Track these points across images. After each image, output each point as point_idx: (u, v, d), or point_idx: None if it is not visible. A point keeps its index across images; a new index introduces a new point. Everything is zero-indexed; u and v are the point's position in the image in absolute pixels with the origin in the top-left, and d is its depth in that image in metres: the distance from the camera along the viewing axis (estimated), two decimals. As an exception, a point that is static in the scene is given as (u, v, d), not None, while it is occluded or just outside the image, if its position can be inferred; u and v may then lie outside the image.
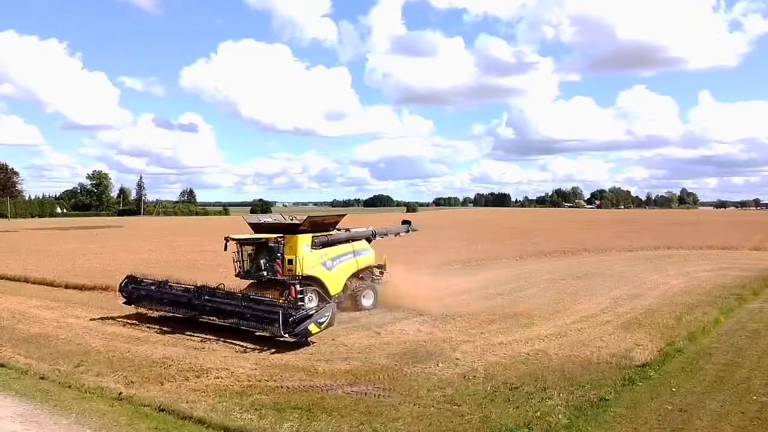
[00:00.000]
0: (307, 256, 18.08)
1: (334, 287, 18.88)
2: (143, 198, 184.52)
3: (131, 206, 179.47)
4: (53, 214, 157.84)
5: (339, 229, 20.29)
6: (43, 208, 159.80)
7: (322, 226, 19.21)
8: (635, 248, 42.63)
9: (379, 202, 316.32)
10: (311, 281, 18.26)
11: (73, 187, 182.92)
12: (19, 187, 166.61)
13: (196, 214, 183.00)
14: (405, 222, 24.83)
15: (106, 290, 24.32)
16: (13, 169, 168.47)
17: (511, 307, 20.27)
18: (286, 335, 14.62)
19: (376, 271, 20.94)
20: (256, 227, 19.51)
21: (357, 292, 19.46)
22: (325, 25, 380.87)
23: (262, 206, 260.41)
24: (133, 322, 18.46)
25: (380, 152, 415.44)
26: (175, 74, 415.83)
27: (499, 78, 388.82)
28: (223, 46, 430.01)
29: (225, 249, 18.23)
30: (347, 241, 19.86)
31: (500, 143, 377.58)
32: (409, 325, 17.49)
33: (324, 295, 18.26)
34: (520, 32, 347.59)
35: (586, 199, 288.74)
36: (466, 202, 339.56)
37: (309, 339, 14.84)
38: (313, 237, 18.50)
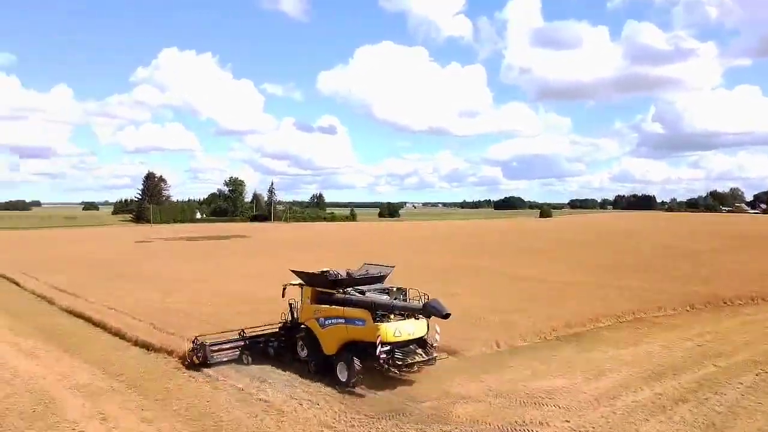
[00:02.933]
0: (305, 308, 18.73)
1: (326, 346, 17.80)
2: (273, 204, 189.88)
3: (263, 211, 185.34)
4: (193, 220, 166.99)
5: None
6: (184, 213, 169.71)
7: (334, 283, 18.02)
8: None
9: (510, 203, 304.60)
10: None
11: (212, 194, 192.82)
12: (165, 193, 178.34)
13: (324, 219, 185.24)
14: (428, 307, 16.00)
15: (170, 355, 20.30)
16: (161, 176, 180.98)
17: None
18: None
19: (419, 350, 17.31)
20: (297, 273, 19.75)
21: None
22: (460, 22, 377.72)
23: (389, 209, 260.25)
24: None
25: (514, 151, 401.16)
26: (312, 79, 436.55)
27: (650, 68, 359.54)
28: (361, 50, 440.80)
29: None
30: (342, 304, 17.60)
31: (645, 139, 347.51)
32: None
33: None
34: (676, 16, 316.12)
35: (748, 201, 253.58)
36: (604, 204, 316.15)
37: None
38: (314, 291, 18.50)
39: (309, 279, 18.95)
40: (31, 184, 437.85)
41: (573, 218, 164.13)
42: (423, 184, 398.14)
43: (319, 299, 18.30)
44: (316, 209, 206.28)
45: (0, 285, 40.37)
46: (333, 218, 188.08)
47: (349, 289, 18.00)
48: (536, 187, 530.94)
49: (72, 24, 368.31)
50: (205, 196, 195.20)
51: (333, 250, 65.55)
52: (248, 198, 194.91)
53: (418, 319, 16.79)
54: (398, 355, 16.63)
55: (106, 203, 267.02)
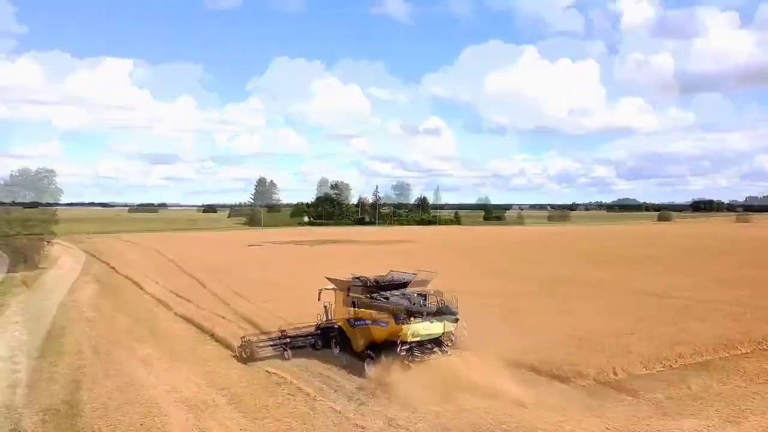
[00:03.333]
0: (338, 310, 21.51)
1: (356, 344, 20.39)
2: (378, 207, 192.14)
3: (368, 215, 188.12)
4: (301, 223, 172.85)
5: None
6: (292, 217, 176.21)
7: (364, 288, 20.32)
8: None
9: (624, 205, 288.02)
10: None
11: (318, 197, 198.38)
12: (275, 197, 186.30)
13: (428, 222, 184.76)
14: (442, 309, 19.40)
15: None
16: (271, 181, 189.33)
17: None
18: None
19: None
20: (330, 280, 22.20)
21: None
22: (570, 16, 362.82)
23: (495, 211, 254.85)
24: None
25: (629, 149, 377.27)
26: (418, 81, 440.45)
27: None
28: (466, 51, 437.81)
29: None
30: (368, 307, 19.85)
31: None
32: None
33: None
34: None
35: None
36: (732, 206, 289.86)
37: None
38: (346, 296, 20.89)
39: (341, 285, 21.39)
40: (160, 188, 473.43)
41: (697, 222, 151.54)
42: (530, 185, 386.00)
43: (350, 303, 20.62)
44: (420, 212, 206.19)
45: (126, 288, 43.22)
46: (437, 221, 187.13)
47: (376, 294, 19.97)
48: (652, 187, 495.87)
49: (195, 38, 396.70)
50: (313, 200, 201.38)
51: (434, 253, 64.69)
52: (354, 201, 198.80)
53: (434, 322, 18.78)
54: (417, 352, 18.64)
55: (223, 206, 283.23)
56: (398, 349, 18.11)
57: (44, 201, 58.93)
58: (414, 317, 18.48)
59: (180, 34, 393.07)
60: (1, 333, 27.67)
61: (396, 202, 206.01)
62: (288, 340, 22.03)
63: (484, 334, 19.43)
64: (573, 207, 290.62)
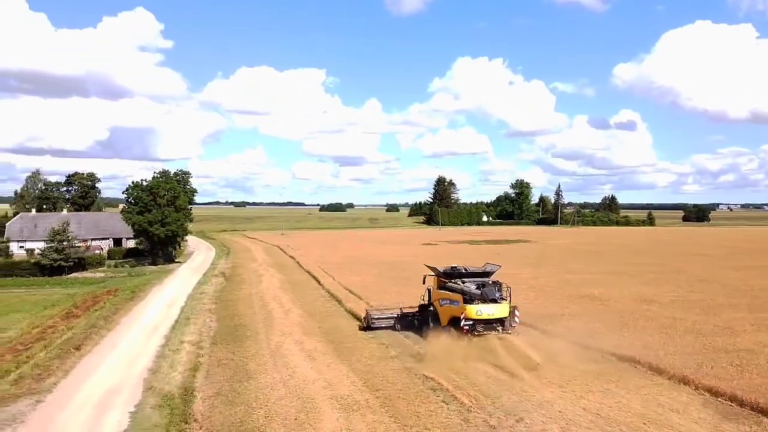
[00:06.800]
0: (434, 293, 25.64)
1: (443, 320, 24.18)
2: (560, 206, 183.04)
3: (549, 215, 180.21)
4: (479, 222, 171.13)
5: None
6: (471, 216, 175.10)
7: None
8: None
9: None
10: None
11: (498, 197, 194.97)
12: (454, 197, 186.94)
13: (616, 223, 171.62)
14: (483, 293, 23.02)
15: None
16: (450, 180, 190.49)
17: None
18: None
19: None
20: (428, 267, 26.45)
21: None
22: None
23: (697, 212, 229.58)
24: None
25: None
26: (607, 73, 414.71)
27: None
28: (667, 35, 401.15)
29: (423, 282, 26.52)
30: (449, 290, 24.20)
31: None
32: None
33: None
34: None
35: None
36: None
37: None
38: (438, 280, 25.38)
39: (435, 272, 25.56)
40: (347, 188, 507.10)
41: None
42: (743, 182, 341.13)
43: (440, 287, 25.01)
44: (607, 212, 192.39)
45: (306, 282, 45.84)
46: (627, 222, 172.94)
47: (457, 280, 24.19)
48: None
49: (380, 45, 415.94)
50: (492, 199, 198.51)
51: (618, 258, 59.24)
52: (534, 200, 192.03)
53: (499, 303, 22.46)
54: (479, 328, 22.01)
55: (405, 205, 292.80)
56: (462, 323, 21.90)
57: (180, 200, 65.59)
58: (474, 301, 22.25)
59: (364, 43, 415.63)
60: (194, 320, 30.70)
61: (581, 201, 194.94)
62: (398, 315, 26.71)
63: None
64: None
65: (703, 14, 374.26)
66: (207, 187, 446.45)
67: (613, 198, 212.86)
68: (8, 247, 73.20)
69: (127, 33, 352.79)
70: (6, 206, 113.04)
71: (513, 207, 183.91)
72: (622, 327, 25.93)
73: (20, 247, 73.65)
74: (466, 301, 22.28)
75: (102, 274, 58.21)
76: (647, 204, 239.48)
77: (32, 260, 60.39)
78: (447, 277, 24.74)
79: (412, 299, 28.52)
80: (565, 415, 15.43)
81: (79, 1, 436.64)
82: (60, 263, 57.42)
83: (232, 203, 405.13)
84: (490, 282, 23.68)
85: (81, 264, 60.89)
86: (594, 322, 26.86)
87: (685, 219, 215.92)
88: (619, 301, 33.21)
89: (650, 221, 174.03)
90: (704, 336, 23.99)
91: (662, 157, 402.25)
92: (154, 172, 71.83)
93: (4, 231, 77.38)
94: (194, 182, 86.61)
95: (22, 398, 18.09)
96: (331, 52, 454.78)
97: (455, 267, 25.37)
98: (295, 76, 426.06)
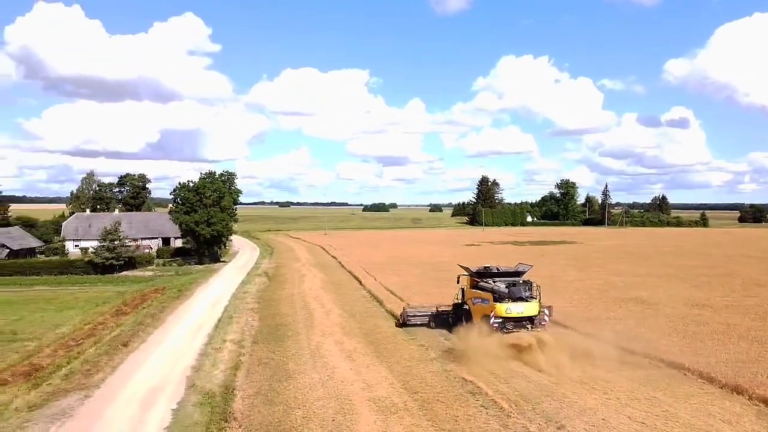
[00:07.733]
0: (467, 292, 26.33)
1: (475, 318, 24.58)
2: (608, 207, 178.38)
3: (596, 215, 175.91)
4: (524, 223, 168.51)
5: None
6: (515, 216, 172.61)
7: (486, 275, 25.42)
8: None
9: None
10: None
11: (543, 197, 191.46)
12: (497, 197, 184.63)
13: (667, 224, 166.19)
14: (510, 290, 24.02)
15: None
16: (494, 180, 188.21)
17: None
18: None
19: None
20: (462, 267, 27.39)
21: None
22: None
23: (754, 213, 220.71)
24: None
25: None
26: (657, 69, 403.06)
27: None
28: (723, 28, 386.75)
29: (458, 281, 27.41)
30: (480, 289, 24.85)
31: None
32: None
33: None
34: None
35: None
36: None
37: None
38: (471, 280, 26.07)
39: (468, 271, 26.29)
40: (391, 188, 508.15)
41: None
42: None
43: (472, 286, 25.62)
44: (657, 212, 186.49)
45: (348, 282, 46.02)
46: (678, 223, 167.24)
47: (488, 279, 24.80)
48: None
49: (423, 43, 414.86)
50: (537, 199, 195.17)
51: (668, 260, 57.20)
52: (580, 200, 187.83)
53: (528, 301, 23.11)
54: (508, 326, 22.55)
55: (448, 205, 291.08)
56: (491, 321, 22.51)
57: (225, 201, 66.39)
58: (503, 300, 23.03)
59: (407, 42, 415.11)
60: (236, 318, 31.19)
61: (630, 201, 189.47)
62: (432, 313, 27.68)
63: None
64: None
65: (761, 6, 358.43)
66: (252, 187, 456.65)
67: (663, 198, 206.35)
68: (64, 246, 76.35)
69: (176, 38, 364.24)
70: (63, 206, 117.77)
71: (558, 207, 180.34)
72: (671, 332, 25.00)
73: (75, 245, 76.74)
74: (495, 300, 23.09)
75: (150, 273, 59.96)
76: (701, 204, 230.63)
77: (86, 259, 62.79)
78: (479, 276, 25.48)
79: (451, 299, 28.26)
80: (609, 424, 14.94)
81: (131, 7, 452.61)
82: (111, 262, 59.42)
83: (276, 203, 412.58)
84: (521, 281, 24.48)
85: (131, 263, 62.88)
86: (640, 327, 26.00)
87: (742, 219, 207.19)
88: (668, 304, 32.04)
89: (703, 222, 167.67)
90: (760, 343, 22.86)
91: (717, 155, 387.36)
92: (201, 173, 73.63)
93: (60, 230, 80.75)
94: (240, 182, 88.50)
95: (71, 393, 18.72)
96: (374, 53, 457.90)
97: (488, 267, 26.16)
98: (338, 77, 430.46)
